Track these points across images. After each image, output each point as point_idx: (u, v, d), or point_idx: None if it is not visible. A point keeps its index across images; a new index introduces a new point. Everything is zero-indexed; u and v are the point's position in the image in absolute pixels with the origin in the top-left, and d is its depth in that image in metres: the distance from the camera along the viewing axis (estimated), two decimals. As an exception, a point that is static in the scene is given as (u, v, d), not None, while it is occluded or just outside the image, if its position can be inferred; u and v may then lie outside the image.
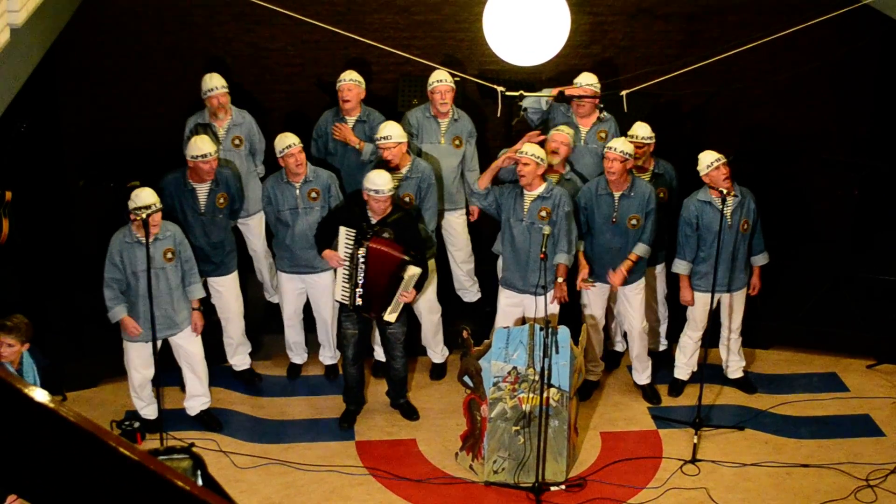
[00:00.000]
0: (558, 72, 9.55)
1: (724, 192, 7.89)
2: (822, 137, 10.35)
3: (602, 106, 8.69)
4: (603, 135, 8.74)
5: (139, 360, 7.87)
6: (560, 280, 8.10)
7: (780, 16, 9.23)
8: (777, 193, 8.47)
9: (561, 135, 8.32)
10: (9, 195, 7.82)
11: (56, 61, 9.13)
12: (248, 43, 9.74)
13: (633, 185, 8.16)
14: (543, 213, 7.98)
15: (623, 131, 8.85)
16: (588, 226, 8.27)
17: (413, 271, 7.82)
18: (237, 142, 8.70)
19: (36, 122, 8.61)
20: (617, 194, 8.14)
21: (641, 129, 8.45)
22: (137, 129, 9.74)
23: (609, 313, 8.74)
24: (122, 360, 8.00)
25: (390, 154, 8.22)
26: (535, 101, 8.76)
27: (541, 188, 8.01)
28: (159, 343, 7.75)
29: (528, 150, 7.93)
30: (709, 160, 8.07)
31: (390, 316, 7.97)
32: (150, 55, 9.67)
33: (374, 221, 7.88)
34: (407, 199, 8.40)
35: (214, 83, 8.56)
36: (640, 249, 8.23)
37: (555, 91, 8.75)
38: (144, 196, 7.46)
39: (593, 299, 8.47)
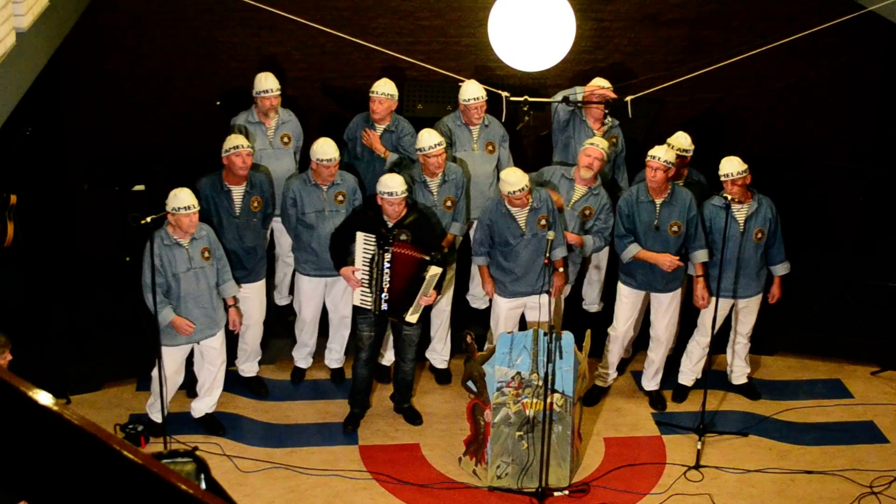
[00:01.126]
0: (563, 77, 9.56)
1: (733, 199, 7.88)
2: (826, 144, 10.35)
3: (608, 111, 8.69)
4: (614, 140, 8.76)
5: (175, 365, 7.82)
6: (560, 270, 8.13)
7: (785, 22, 9.23)
8: (781, 199, 8.45)
9: (596, 150, 8.21)
10: (14, 199, 7.83)
11: (61, 65, 9.15)
12: (253, 48, 9.75)
13: (673, 192, 8.14)
14: (543, 222, 7.99)
15: (627, 137, 8.86)
16: (632, 233, 8.24)
17: (434, 271, 7.82)
18: (286, 139, 8.72)
19: (41, 125, 8.62)
20: (658, 201, 8.12)
21: (684, 140, 8.41)
22: (141, 133, 9.76)
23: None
24: (124, 363, 7.98)
25: (438, 161, 8.22)
26: (564, 105, 8.69)
27: (529, 203, 8.00)
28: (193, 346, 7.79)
29: (518, 182, 7.85)
30: (723, 170, 8.05)
31: (412, 317, 7.97)
32: (154, 59, 9.68)
33: (390, 225, 7.88)
34: (449, 202, 8.41)
35: (269, 85, 8.57)
36: (701, 256, 8.21)
37: (558, 95, 8.74)
38: (185, 196, 7.46)
39: (625, 307, 8.43)
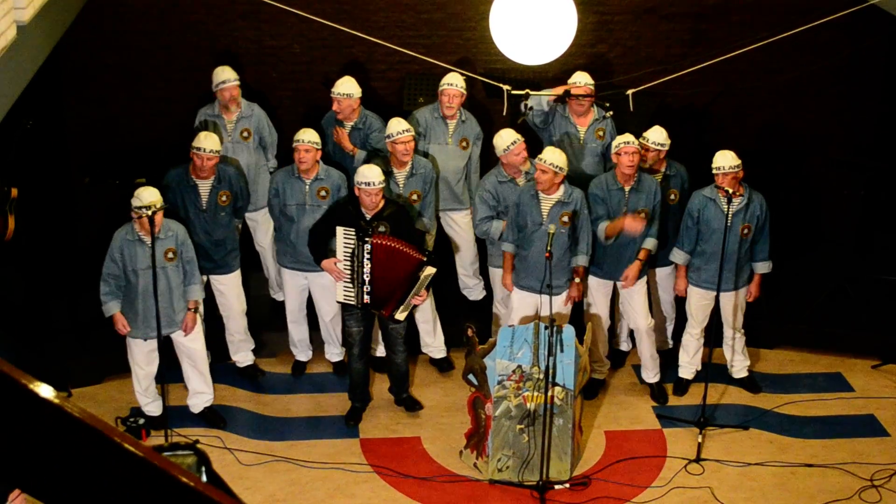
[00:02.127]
0: (564, 71, 9.54)
1: (730, 191, 7.88)
2: (828, 138, 10.34)
3: (608, 105, 8.68)
4: (601, 133, 8.76)
5: (141, 357, 7.89)
6: (577, 280, 8.12)
7: (786, 15, 9.21)
8: (782, 193, 8.46)
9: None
10: (14, 192, 7.83)
11: (62, 58, 9.15)
12: (254, 41, 9.74)
13: (640, 179, 8.18)
14: (566, 219, 7.97)
15: (622, 130, 8.84)
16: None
17: (429, 271, 7.83)
18: (245, 134, 8.73)
19: (41, 119, 8.62)
20: (627, 188, 8.15)
21: (660, 134, 8.40)
22: (142, 127, 9.75)
23: (614, 312, 8.74)
24: (125, 357, 8.00)
25: (406, 148, 8.24)
26: (537, 103, 8.75)
27: (560, 192, 8.00)
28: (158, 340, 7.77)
29: (549, 157, 7.90)
30: (716, 163, 8.07)
31: (401, 315, 7.98)
32: (155, 53, 9.68)
33: (368, 217, 7.88)
34: (415, 196, 8.42)
35: (226, 76, 8.62)
36: (649, 243, 8.24)
37: (559, 89, 8.74)
38: (147, 195, 7.46)
39: (598, 298, 8.48)
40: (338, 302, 8.14)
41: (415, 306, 8.09)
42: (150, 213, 7.32)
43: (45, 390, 1.55)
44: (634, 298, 8.40)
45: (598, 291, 8.46)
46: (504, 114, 8.84)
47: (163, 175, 8.29)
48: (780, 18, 9.19)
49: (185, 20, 9.64)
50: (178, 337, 7.94)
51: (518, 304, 8.22)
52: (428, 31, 9.80)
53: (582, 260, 8.12)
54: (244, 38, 9.73)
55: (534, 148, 8.53)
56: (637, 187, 8.17)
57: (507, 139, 8.22)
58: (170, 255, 7.69)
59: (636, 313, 8.44)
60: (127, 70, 9.67)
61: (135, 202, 7.47)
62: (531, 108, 8.72)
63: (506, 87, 8.75)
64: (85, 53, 9.52)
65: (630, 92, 8.59)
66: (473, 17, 9.64)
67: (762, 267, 8.44)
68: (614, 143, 8.16)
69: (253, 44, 9.74)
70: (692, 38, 9.94)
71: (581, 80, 8.75)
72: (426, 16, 9.78)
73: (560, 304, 8.06)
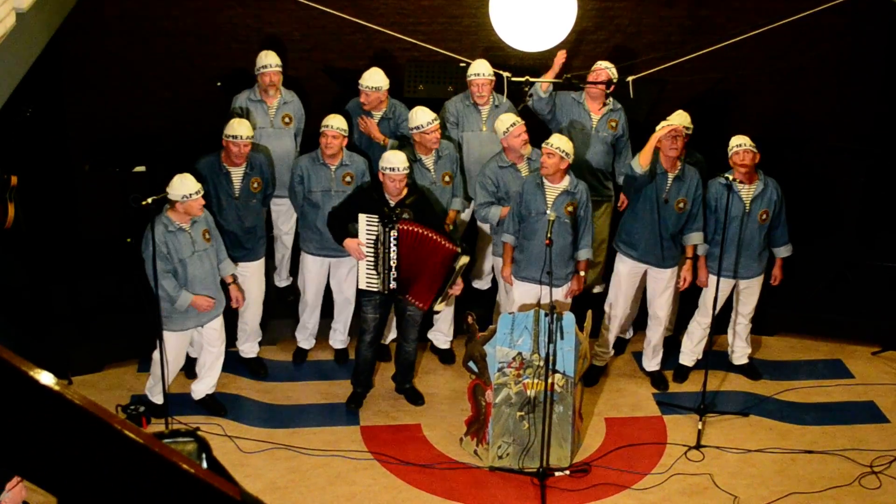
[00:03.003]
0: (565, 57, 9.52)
1: (735, 179, 7.87)
2: (828, 125, 10.33)
3: (609, 92, 8.66)
4: (613, 124, 8.71)
5: (177, 350, 7.84)
6: (582, 273, 8.11)
7: (787, 2, 9.19)
8: (783, 180, 8.44)
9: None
10: (14, 180, 7.83)
11: (61, 46, 9.13)
12: (254, 28, 9.72)
13: (684, 169, 8.13)
14: (570, 209, 7.95)
15: (630, 118, 8.82)
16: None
17: (464, 261, 7.84)
18: (287, 119, 8.71)
19: (41, 106, 8.61)
20: (671, 175, 8.11)
21: (685, 118, 8.31)
22: (142, 114, 9.74)
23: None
24: (126, 345, 8.00)
25: (435, 137, 8.24)
26: (534, 94, 8.72)
27: (565, 182, 7.97)
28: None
29: (555, 142, 7.88)
30: (733, 143, 8.08)
31: (440, 306, 8.01)
32: (155, 40, 9.65)
33: (392, 204, 7.88)
34: (447, 178, 8.42)
35: (269, 60, 8.57)
36: (696, 238, 8.21)
37: (549, 74, 8.70)
38: (190, 182, 7.47)
39: (625, 285, 8.42)
40: (360, 289, 8.12)
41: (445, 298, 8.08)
42: (199, 194, 7.46)
43: (46, 377, 1.55)
44: (669, 286, 8.37)
45: (626, 275, 8.40)
46: (504, 99, 8.84)
47: (164, 162, 8.28)
48: (781, 5, 9.17)
49: (185, 7, 9.61)
50: (213, 323, 7.93)
51: (520, 296, 8.19)
52: (428, 19, 9.78)
53: (584, 254, 8.10)
54: (244, 25, 9.71)
55: (537, 135, 8.51)
56: (681, 176, 8.10)
57: (506, 122, 8.20)
58: (206, 235, 7.71)
59: (662, 302, 8.42)
60: (127, 57, 9.65)
61: (180, 191, 7.43)
62: (531, 96, 8.71)
63: (506, 74, 8.74)
64: (84, 41, 9.50)
65: (630, 79, 8.57)
66: (474, 3, 9.62)
67: (784, 251, 8.44)
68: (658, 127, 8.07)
69: (253, 31, 9.72)
70: (692, 25, 9.92)
71: (605, 69, 8.61)
72: (426, 2, 9.76)
73: (561, 295, 8.05)
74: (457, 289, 7.98)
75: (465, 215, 8.90)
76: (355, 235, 7.96)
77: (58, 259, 9.34)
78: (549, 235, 7.43)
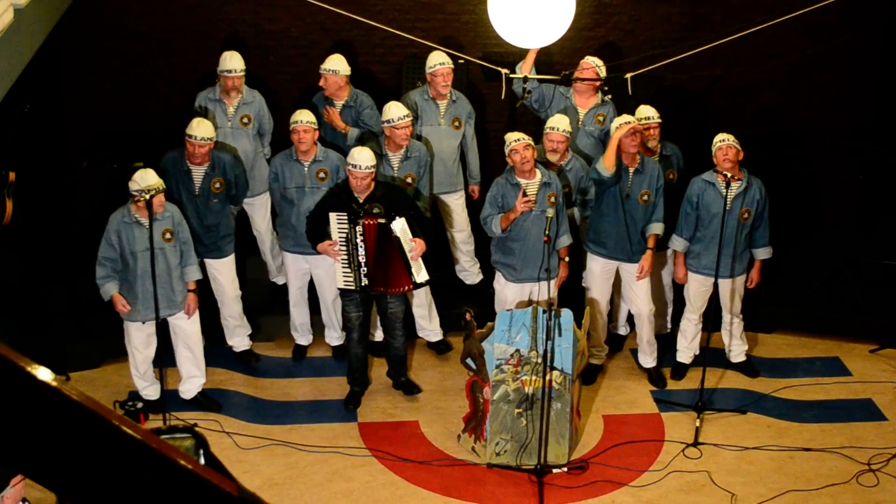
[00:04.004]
0: (562, 55, 9.53)
1: (728, 175, 7.88)
2: (826, 122, 10.33)
3: (607, 88, 8.67)
4: (601, 118, 8.74)
5: (139, 340, 7.90)
6: (566, 259, 8.12)
7: (785, -1, 9.19)
8: (781, 177, 8.46)
9: (557, 134, 8.25)
10: (12, 176, 7.82)
11: (59, 42, 9.12)
12: (252, 24, 9.72)
13: (643, 161, 8.17)
14: (553, 199, 7.97)
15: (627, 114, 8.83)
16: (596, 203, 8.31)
17: (399, 224, 7.80)
18: (245, 120, 8.70)
19: (39, 102, 8.60)
20: (631, 170, 8.14)
21: (648, 111, 8.43)
22: (140, 111, 9.74)
23: (613, 296, 8.74)
24: (123, 340, 8.01)
25: (405, 133, 8.22)
26: (517, 85, 8.70)
27: (539, 175, 8.00)
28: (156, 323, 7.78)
29: (512, 137, 7.93)
30: (717, 139, 8.10)
31: (421, 276, 7.95)
32: (153, 36, 9.65)
33: (361, 200, 7.87)
34: (409, 179, 8.41)
35: (234, 65, 8.54)
36: (657, 228, 8.25)
37: (528, 65, 8.69)
38: (149, 178, 7.46)
39: (599, 281, 8.47)
40: (339, 289, 8.13)
41: (425, 262, 7.98)
42: (149, 196, 7.32)
43: (44, 373, 1.55)
44: (638, 283, 8.39)
45: (599, 274, 8.45)
46: (502, 97, 8.84)
47: (160, 159, 8.28)
48: (779, 2, 9.17)
49: (183, 3, 9.61)
50: (175, 319, 7.95)
51: (513, 297, 8.23)
52: (426, 15, 9.78)
53: (566, 240, 8.15)
54: (242, 22, 9.71)
55: (537, 135, 8.52)
56: (640, 169, 8.16)
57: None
58: (167, 235, 7.69)
59: (639, 298, 8.44)
60: (125, 53, 9.65)
61: (133, 185, 7.46)
62: (529, 92, 8.70)
63: (504, 71, 8.74)
64: (82, 36, 9.49)
65: (629, 76, 8.57)
66: (472, 0, 9.61)
67: (763, 253, 8.43)
68: (613, 123, 8.15)
69: (251, 27, 9.72)
70: (691, 22, 9.92)
71: (588, 63, 8.67)
72: (424, -1, 9.76)
73: (553, 288, 8.07)
74: (418, 250, 7.89)
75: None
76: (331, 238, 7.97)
77: (55, 255, 9.33)
78: (546, 232, 7.45)
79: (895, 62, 10.22)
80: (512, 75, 8.68)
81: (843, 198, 10.15)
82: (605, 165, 7.97)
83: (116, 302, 7.74)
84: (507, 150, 8.02)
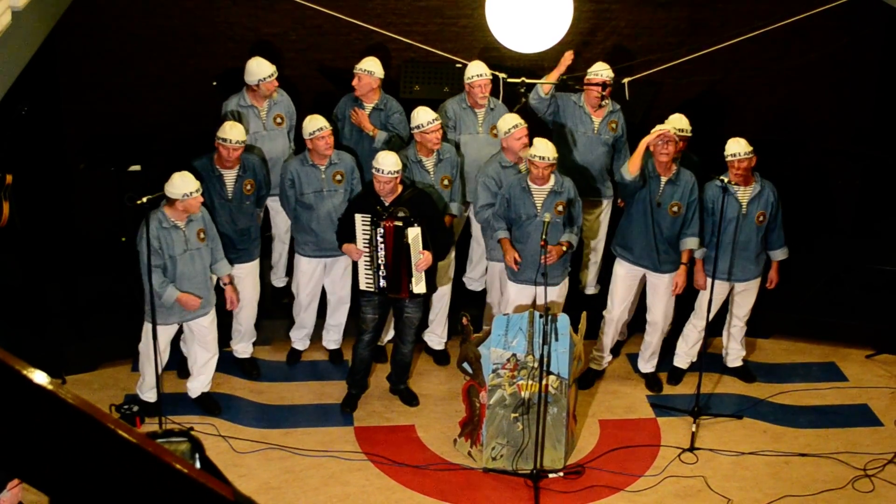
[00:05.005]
0: (560, 59, 9.53)
1: (730, 181, 7.87)
2: (824, 127, 10.34)
3: (604, 94, 8.66)
4: (614, 125, 8.73)
5: (163, 343, 7.82)
6: (565, 248, 8.06)
7: (784, 4, 9.21)
8: (779, 182, 8.45)
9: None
10: (9, 178, 7.82)
11: (57, 45, 9.12)
12: (250, 28, 9.72)
13: (679, 172, 8.11)
14: (560, 208, 7.95)
15: (626, 120, 8.83)
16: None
17: (413, 233, 7.80)
18: (279, 120, 8.70)
19: (37, 105, 8.60)
20: (664, 179, 8.10)
21: (683, 122, 8.35)
22: (138, 113, 9.74)
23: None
24: (120, 344, 7.99)
25: (436, 137, 8.24)
26: (534, 93, 8.73)
27: (551, 182, 7.98)
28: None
29: (540, 152, 7.84)
30: (730, 150, 8.04)
31: (419, 287, 7.94)
32: (151, 39, 9.65)
33: (387, 204, 7.87)
34: (446, 181, 8.42)
35: (270, 70, 8.50)
36: (692, 243, 8.17)
37: (555, 73, 8.70)
38: (188, 181, 7.48)
39: (621, 289, 8.42)
40: (360, 290, 8.10)
41: (429, 275, 7.99)
42: (199, 194, 7.48)
43: (40, 377, 1.55)
44: (667, 291, 8.35)
45: (623, 278, 8.41)
46: (500, 101, 8.84)
47: (159, 161, 8.28)
48: (777, 7, 9.19)
49: (181, 6, 9.61)
50: (201, 321, 7.94)
51: (515, 297, 8.21)
52: (424, 19, 9.78)
53: (566, 237, 8.05)
54: (240, 25, 9.71)
55: (537, 134, 8.51)
56: (674, 180, 8.06)
57: (509, 122, 8.18)
58: (201, 235, 7.72)
59: (660, 307, 8.41)
60: (123, 55, 9.65)
61: (176, 189, 7.45)
62: (526, 95, 8.70)
63: (502, 75, 8.75)
64: (80, 39, 9.49)
65: (626, 80, 8.58)
66: (470, 4, 9.62)
67: (780, 254, 8.44)
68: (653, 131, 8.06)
69: (249, 31, 9.72)
70: (689, 27, 9.93)
71: (597, 70, 8.65)
72: (422, 3, 9.76)
73: (556, 295, 8.07)
74: (423, 262, 7.92)
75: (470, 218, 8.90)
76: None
77: (53, 257, 9.33)
78: (544, 237, 7.44)
79: (893, 67, 10.24)
80: (510, 79, 8.69)
81: (841, 203, 10.16)
82: (630, 169, 7.93)
83: (188, 301, 7.67)
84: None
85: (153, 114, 9.73)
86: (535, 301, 8.07)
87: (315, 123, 8.18)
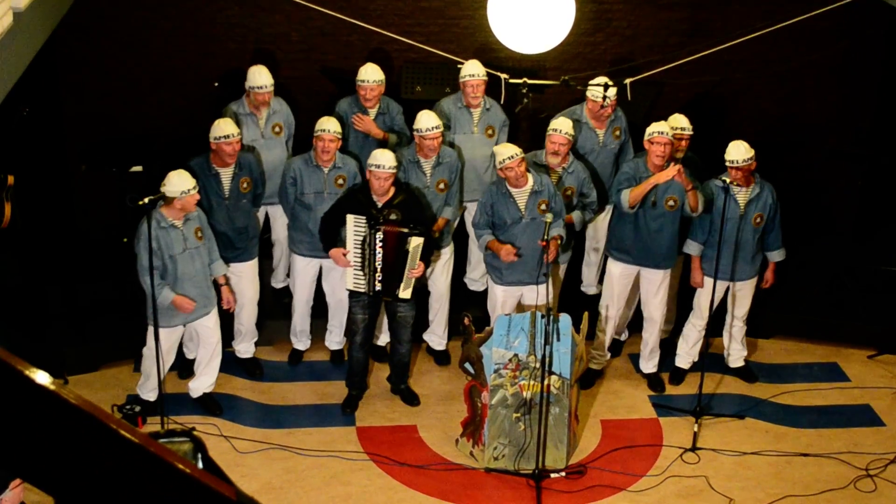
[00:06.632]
0: (562, 60, 9.53)
1: (730, 182, 7.88)
2: (825, 128, 10.34)
3: (603, 95, 8.64)
4: (617, 132, 8.75)
5: (168, 345, 7.83)
6: (558, 242, 8.05)
7: (785, 5, 9.21)
8: (780, 184, 8.45)
9: (559, 136, 8.23)
10: (11, 179, 7.82)
11: (58, 46, 9.12)
12: (251, 29, 9.71)
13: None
14: (543, 207, 7.97)
15: (627, 121, 8.83)
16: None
17: (416, 242, 7.81)
18: (277, 129, 8.69)
19: (38, 106, 8.60)
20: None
21: (682, 121, 8.41)
22: (139, 115, 9.73)
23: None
24: (122, 344, 7.99)
25: (434, 144, 8.23)
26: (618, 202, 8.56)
27: (529, 183, 7.99)
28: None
29: (504, 153, 7.91)
30: (732, 155, 8.05)
31: (405, 293, 7.96)
32: (152, 41, 9.65)
33: (380, 205, 7.87)
34: (442, 185, 8.41)
35: (264, 81, 8.48)
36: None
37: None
38: (185, 179, 7.48)
39: (618, 288, 8.45)
40: (347, 290, 8.12)
41: (423, 286, 8.04)
42: (196, 191, 7.48)
43: (42, 377, 1.55)
44: (661, 287, 8.39)
45: (620, 280, 8.44)
46: (501, 102, 8.84)
47: (160, 162, 8.28)
48: (778, 8, 9.19)
49: (182, 7, 9.61)
50: (204, 321, 7.94)
51: (503, 300, 8.24)
52: (426, 20, 9.78)
53: (555, 231, 7.98)
54: (241, 26, 9.71)
55: (537, 136, 8.52)
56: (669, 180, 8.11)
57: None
58: (199, 234, 7.72)
59: (656, 305, 8.44)
60: (124, 57, 9.65)
61: (173, 188, 7.45)
62: (530, 97, 8.70)
63: (503, 76, 8.75)
64: (82, 40, 9.49)
65: (628, 81, 8.58)
66: (471, 5, 9.62)
67: (777, 255, 8.47)
68: (647, 131, 8.08)
69: (251, 31, 9.72)
70: (690, 28, 9.92)
71: (597, 83, 8.62)
72: (424, 4, 9.76)
73: (543, 292, 8.08)
74: (416, 272, 7.92)
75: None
76: (344, 243, 7.96)
77: (54, 259, 9.33)
78: (545, 237, 7.43)
79: (894, 69, 10.23)
80: (512, 80, 8.68)
81: (842, 204, 10.15)
82: (630, 202, 8.04)
83: (183, 303, 7.64)
84: (498, 165, 7.99)
85: (154, 115, 9.73)
86: (520, 303, 8.12)
87: (321, 124, 8.19)
